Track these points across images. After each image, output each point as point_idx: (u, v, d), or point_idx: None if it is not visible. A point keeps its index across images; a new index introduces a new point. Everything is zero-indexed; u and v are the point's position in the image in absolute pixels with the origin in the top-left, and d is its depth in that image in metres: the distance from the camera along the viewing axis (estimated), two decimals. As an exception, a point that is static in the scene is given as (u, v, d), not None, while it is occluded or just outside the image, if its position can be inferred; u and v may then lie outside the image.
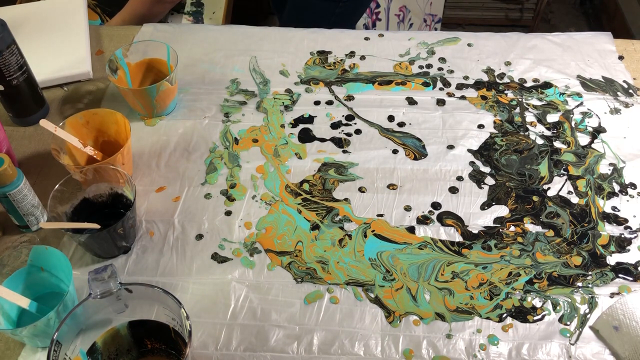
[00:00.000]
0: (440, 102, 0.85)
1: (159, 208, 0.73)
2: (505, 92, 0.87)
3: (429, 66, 0.91)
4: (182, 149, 0.79)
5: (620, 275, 0.66)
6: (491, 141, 0.80)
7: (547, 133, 0.81)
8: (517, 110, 0.84)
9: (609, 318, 0.61)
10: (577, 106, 0.85)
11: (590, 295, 0.64)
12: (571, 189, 0.75)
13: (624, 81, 0.88)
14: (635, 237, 0.70)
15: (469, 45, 0.94)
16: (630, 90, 0.87)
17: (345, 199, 0.73)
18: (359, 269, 0.67)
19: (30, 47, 0.85)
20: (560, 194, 0.74)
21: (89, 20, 1.00)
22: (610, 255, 0.68)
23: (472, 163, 0.78)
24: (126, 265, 0.67)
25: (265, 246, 0.69)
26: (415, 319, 0.63)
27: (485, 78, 0.89)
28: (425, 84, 0.88)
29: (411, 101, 0.85)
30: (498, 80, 0.89)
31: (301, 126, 0.82)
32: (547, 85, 0.88)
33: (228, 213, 0.72)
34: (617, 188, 0.75)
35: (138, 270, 0.67)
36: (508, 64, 0.91)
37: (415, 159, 0.78)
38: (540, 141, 0.80)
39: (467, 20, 2.11)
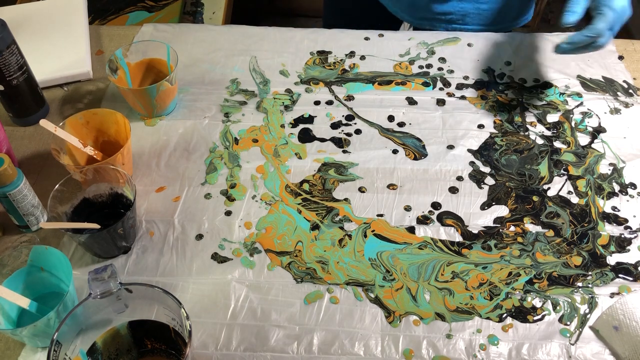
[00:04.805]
0: (440, 102, 0.85)
1: (159, 208, 0.73)
2: (505, 92, 0.87)
3: (429, 66, 0.91)
4: (182, 149, 0.79)
5: (620, 275, 0.66)
6: (491, 141, 0.80)
7: (547, 133, 0.81)
8: (517, 110, 0.84)
9: (609, 318, 0.61)
10: (577, 106, 0.85)
11: (590, 295, 0.64)
12: (571, 189, 0.75)
13: (624, 81, 0.88)
14: (635, 237, 0.70)
15: (469, 45, 0.94)
16: (630, 90, 0.87)
17: (345, 199, 0.73)
18: (359, 269, 0.67)
19: (30, 47, 0.85)
20: (560, 194, 0.74)
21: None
22: (610, 255, 0.68)
23: (472, 163, 0.78)
24: (126, 265, 0.67)
25: (265, 246, 0.69)
26: (415, 319, 0.63)
27: (485, 78, 0.89)
28: (425, 84, 0.88)
29: (411, 101, 0.85)
30: (498, 80, 0.89)
31: (301, 126, 0.82)
32: (547, 85, 0.88)
33: (228, 213, 0.72)
34: (617, 188, 0.75)
35: (138, 270, 0.67)
36: (508, 64, 0.91)
37: (415, 159, 0.78)
38: (540, 141, 0.80)
39: (467, 20, 2.11)
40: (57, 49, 0.92)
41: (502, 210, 0.73)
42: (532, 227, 0.71)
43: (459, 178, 0.76)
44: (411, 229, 0.70)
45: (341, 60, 0.92)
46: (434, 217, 0.72)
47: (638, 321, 0.60)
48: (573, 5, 0.73)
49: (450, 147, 0.79)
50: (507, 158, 0.78)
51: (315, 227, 0.71)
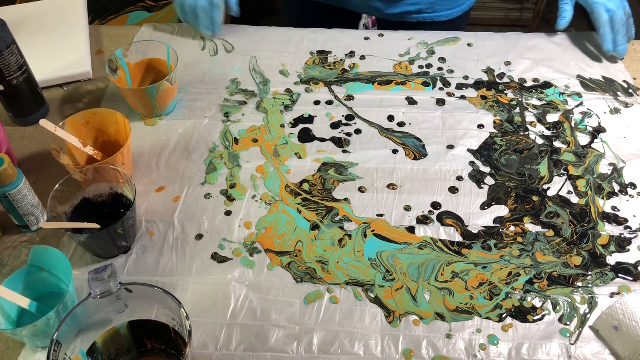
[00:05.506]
0: (440, 102, 0.85)
1: (159, 208, 0.73)
2: (505, 92, 0.87)
3: (429, 66, 0.91)
4: (182, 149, 0.79)
5: (620, 275, 0.66)
6: (491, 141, 0.80)
7: (547, 133, 0.81)
8: (517, 110, 0.84)
9: (609, 318, 0.61)
10: (577, 106, 0.85)
11: (590, 295, 0.64)
12: (571, 189, 0.75)
13: (624, 81, 0.88)
14: (635, 237, 0.70)
15: (469, 45, 0.94)
16: (630, 90, 0.87)
17: (345, 199, 0.73)
18: (359, 269, 0.67)
19: (30, 47, 0.85)
20: (560, 194, 0.74)
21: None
22: (610, 255, 0.68)
23: (472, 163, 0.78)
24: (126, 265, 0.67)
25: (265, 246, 0.69)
26: (415, 319, 0.63)
27: (485, 78, 0.89)
28: (425, 84, 0.88)
29: (411, 101, 0.85)
30: (498, 80, 0.89)
31: (301, 126, 0.82)
32: (547, 85, 0.88)
33: (228, 213, 0.72)
34: (617, 188, 0.75)
35: (138, 270, 0.67)
36: (508, 64, 0.91)
37: (415, 159, 0.78)
38: (540, 141, 0.80)
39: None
40: (57, 49, 0.92)
41: (502, 210, 0.73)
42: (532, 227, 0.71)
43: (459, 178, 0.76)
44: (411, 229, 0.70)
45: (341, 60, 0.92)
46: (434, 217, 0.72)
47: (638, 321, 0.60)
48: (562, 10, 0.91)
49: (450, 147, 0.79)
50: (507, 158, 0.78)
51: (315, 227, 0.71)
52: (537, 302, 0.64)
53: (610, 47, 0.89)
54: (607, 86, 0.88)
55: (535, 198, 0.74)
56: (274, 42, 0.95)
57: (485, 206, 0.73)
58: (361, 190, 0.74)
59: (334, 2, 1.02)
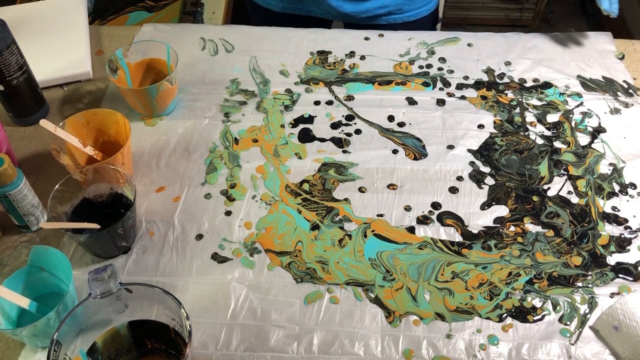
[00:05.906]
0: (440, 102, 0.85)
1: (159, 208, 0.73)
2: (505, 92, 0.87)
3: (429, 66, 0.91)
4: (182, 149, 0.79)
5: (620, 275, 0.66)
6: (491, 141, 0.80)
7: (547, 133, 0.81)
8: (517, 110, 0.84)
9: (609, 318, 0.61)
10: (577, 106, 0.85)
11: (590, 295, 0.64)
12: (571, 189, 0.75)
13: (624, 81, 0.88)
14: (635, 237, 0.70)
15: (469, 45, 0.94)
16: (630, 90, 0.87)
17: (345, 199, 0.73)
18: (359, 269, 0.67)
19: (30, 47, 0.85)
20: (560, 194, 0.74)
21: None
22: (610, 255, 0.68)
23: (472, 163, 0.78)
24: (126, 265, 0.67)
25: (265, 246, 0.69)
26: (415, 319, 0.63)
27: (485, 78, 0.89)
28: (425, 84, 0.88)
29: (411, 101, 0.85)
30: (498, 80, 0.89)
31: (301, 126, 0.82)
32: (547, 85, 0.88)
33: (228, 213, 0.72)
34: (617, 188, 0.75)
35: (138, 270, 0.67)
36: (508, 64, 0.91)
37: (415, 159, 0.78)
38: (540, 141, 0.80)
39: (467, 20, 2.11)
40: (57, 49, 0.92)
41: (502, 210, 0.73)
42: (532, 227, 0.71)
43: (459, 178, 0.76)
44: (411, 229, 0.70)
45: (341, 60, 0.92)
46: (434, 217, 0.72)
47: (638, 321, 0.60)
48: None
49: (450, 147, 0.79)
50: (507, 158, 0.78)
51: (315, 227, 0.71)
52: (537, 302, 0.64)
53: (607, 5, 0.91)
54: (607, 86, 0.88)
55: (535, 198, 0.74)
56: (274, 42, 0.95)
57: (485, 206, 0.73)
58: (361, 190, 0.75)
59: (300, 11, 1.02)
